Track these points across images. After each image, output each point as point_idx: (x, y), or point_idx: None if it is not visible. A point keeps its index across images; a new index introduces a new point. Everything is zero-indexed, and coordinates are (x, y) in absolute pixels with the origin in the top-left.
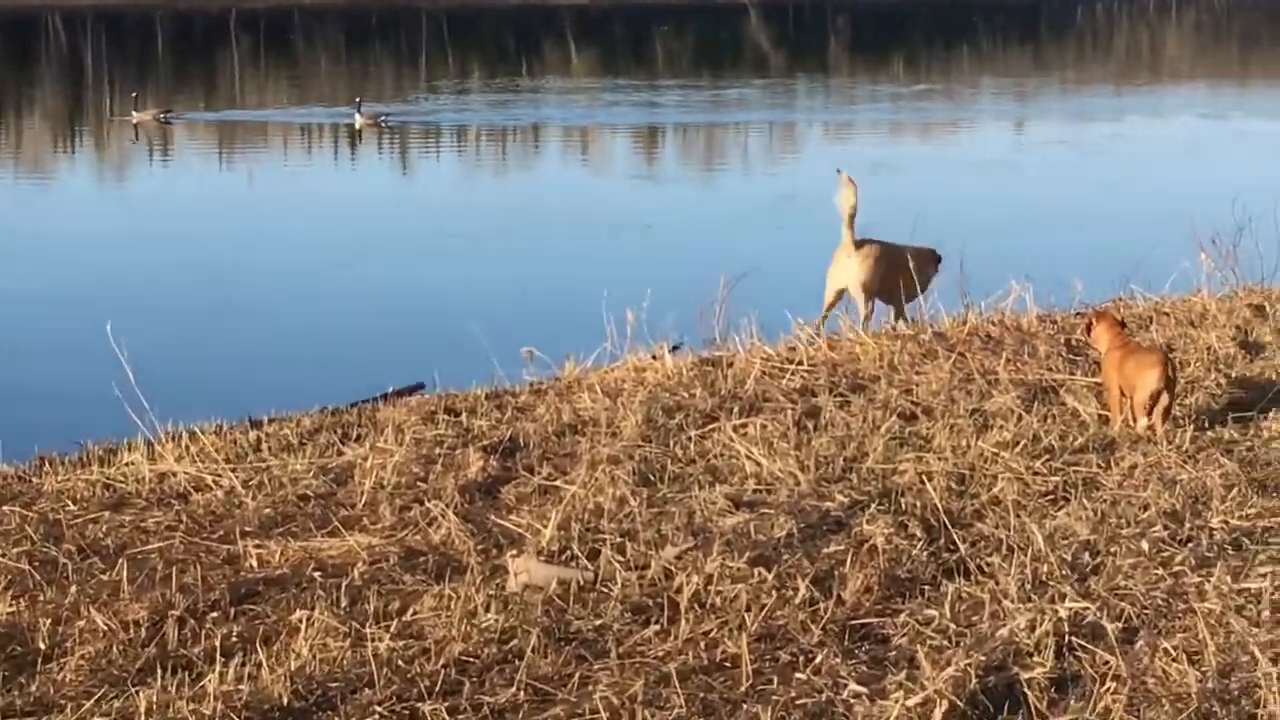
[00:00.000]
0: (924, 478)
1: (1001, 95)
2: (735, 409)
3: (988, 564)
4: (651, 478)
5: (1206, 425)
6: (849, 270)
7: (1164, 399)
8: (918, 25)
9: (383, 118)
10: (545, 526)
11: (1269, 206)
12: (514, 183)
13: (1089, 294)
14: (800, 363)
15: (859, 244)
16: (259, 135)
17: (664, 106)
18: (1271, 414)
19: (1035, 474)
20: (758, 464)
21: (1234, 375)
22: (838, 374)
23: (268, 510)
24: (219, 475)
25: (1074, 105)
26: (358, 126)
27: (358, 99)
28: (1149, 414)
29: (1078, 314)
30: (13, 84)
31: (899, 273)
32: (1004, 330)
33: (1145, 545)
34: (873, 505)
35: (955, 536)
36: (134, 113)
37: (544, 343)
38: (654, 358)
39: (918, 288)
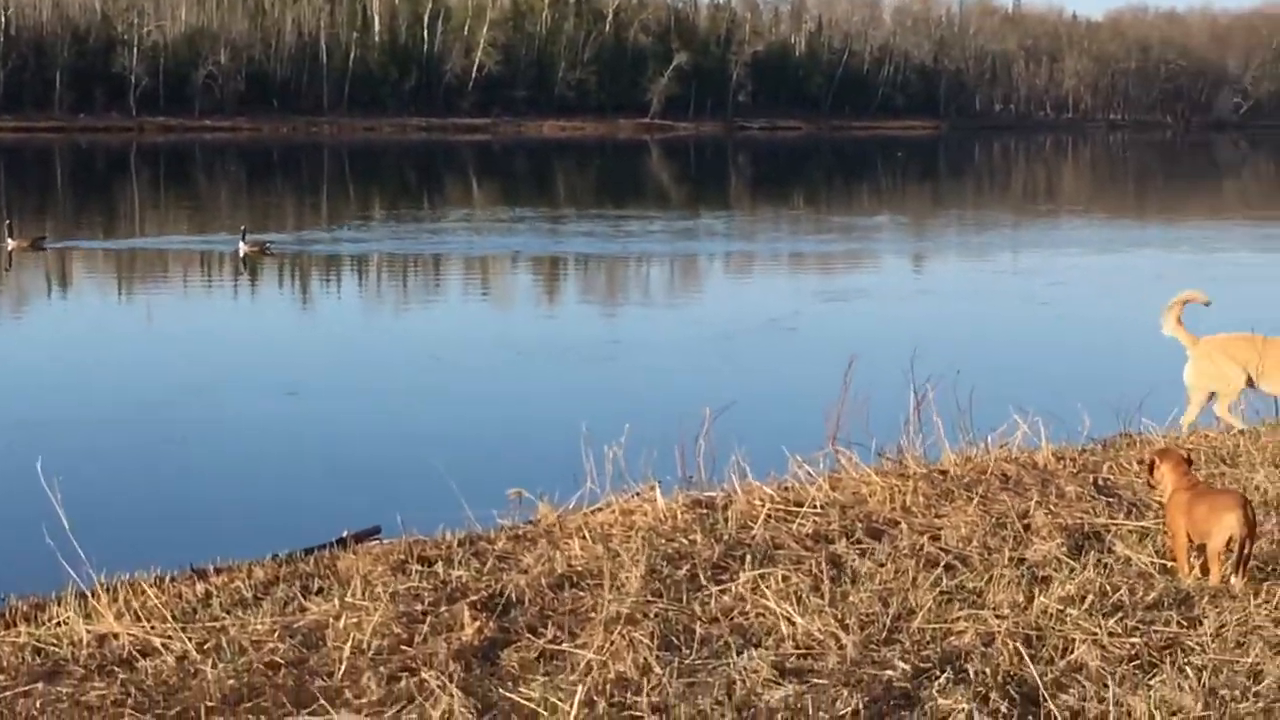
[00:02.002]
0: (986, 640)
1: (901, 230)
2: (747, 558)
3: None
4: (675, 641)
5: None
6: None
7: (1243, 547)
8: (819, 163)
9: (267, 245)
10: (564, 702)
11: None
12: (428, 313)
13: (1096, 429)
14: (811, 505)
15: (1195, 341)
16: (144, 263)
17: (569, 237)
18: None
19: (1111, 635)
20: (792, 623)
21: None
22: (848, 517)
23: (231, 681)
24: (168, 637)
25: (978, 238)
26: (241, 254)
27: (243, 227)
28: (1236, 567)
29: (1084, 450)
30: None
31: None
32: (1020, 469)
33: None
34: (940, 674)
35: (1047, 713)
36: (9, 240)
37: (508, 482)
38: (639, 498)
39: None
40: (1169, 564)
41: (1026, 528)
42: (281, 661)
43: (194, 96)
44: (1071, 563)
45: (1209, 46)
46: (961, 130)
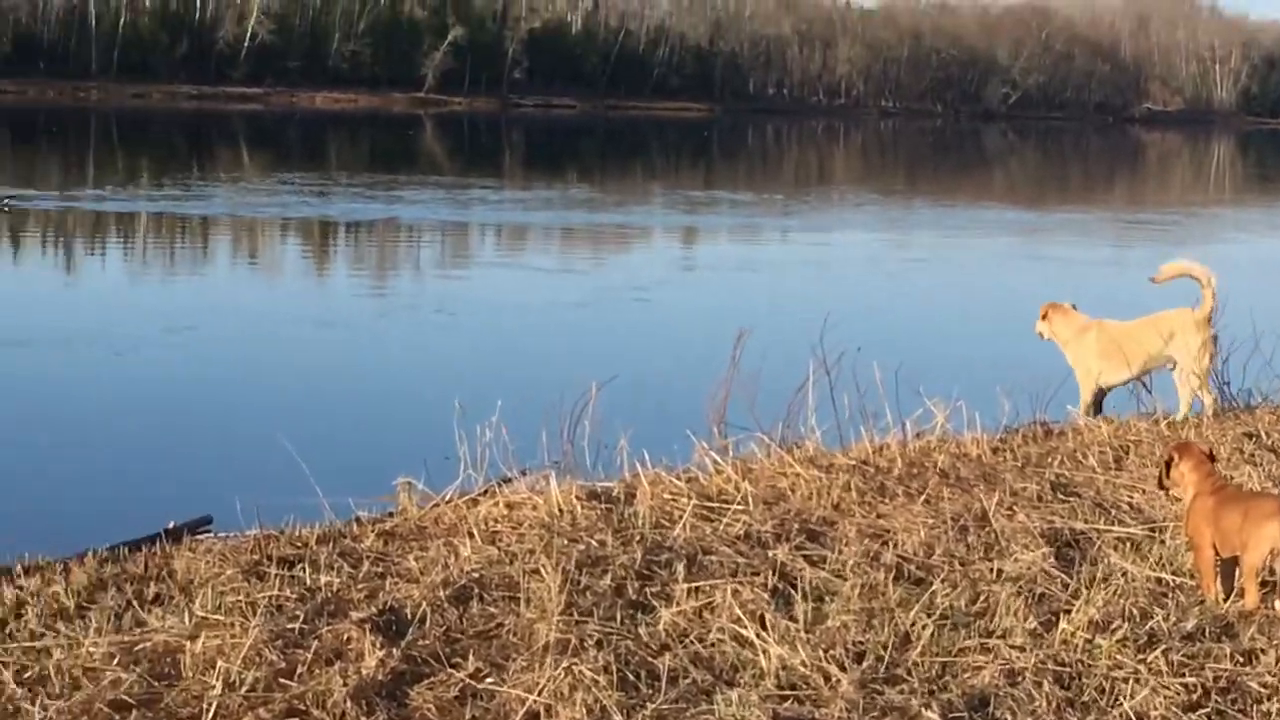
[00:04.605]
0: (1010, 679)
1: (718, 206)
2: (677, 566)
3: None
4: (630, 677)
5: None
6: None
7: None
8: (593, 141)
9: (4, 201)
10: None
11: None
12: (230, 277)
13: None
14: (739, 501)
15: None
16: None
17: (338, 202)
18: None
19: (1158, 675)
20: (767, 654)
21: None
22: (775, 515)
23: None
24: None
25: (746, 218)
26: None
27: None
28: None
29: (1003, 439)
30: None
31: None
32: (956, 462)
33: None
34: None
35: None
36: None
37: (359, 465)
38: (527, 489)
39: None
40: (1184, 582)
41: (1003, 535)
42: (130, 699)
43: None
44: (1065, 578)
45: (979, 37)
46: (735, 113)
